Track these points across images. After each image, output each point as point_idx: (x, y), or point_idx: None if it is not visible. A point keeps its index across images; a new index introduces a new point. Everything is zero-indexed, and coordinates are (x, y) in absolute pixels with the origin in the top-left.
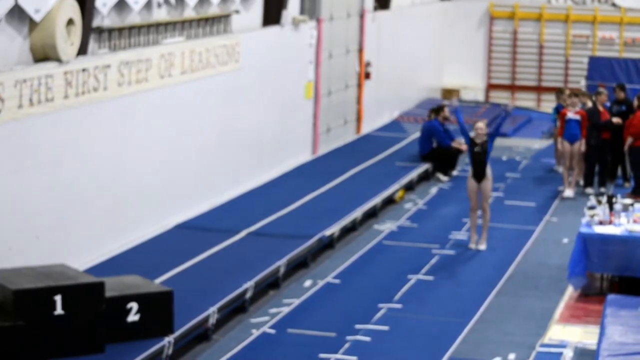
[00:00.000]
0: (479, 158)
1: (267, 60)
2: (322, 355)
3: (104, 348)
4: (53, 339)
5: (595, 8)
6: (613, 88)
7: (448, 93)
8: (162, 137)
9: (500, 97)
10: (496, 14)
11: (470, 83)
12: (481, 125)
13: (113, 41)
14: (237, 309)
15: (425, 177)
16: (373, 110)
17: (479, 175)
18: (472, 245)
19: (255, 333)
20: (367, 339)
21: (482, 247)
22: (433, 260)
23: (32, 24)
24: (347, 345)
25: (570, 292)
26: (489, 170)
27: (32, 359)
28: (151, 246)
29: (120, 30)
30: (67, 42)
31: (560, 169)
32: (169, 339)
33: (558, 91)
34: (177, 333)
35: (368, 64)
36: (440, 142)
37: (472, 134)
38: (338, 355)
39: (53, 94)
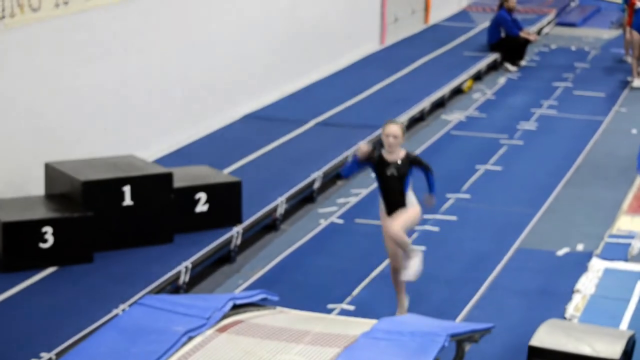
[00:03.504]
0: (392, 185)
1: None
2: None
3: (173, 238)
4: (122, 230)
5: None
6: None
7: None
8: (229, 27)
9: None
10: None
11: None
12: (394, 129)
13: None
14: (305, 199)
15: (493, 67)
16: (441, 0)
17: (395, 210)
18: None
19: (323, 223)
20: (436, 229)
21: (410, 273)
22: (501, 151)
23: None
24: (415, 235)
25: (639, 182)
26: (411, 201)
27: (101, 249)
28: (219, 137)
29: None
30: None
31: (630, 59)
32: (237, 229)
33: None
34: (246, 223)
35: None
36: (509, 31)
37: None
38: None
39: None
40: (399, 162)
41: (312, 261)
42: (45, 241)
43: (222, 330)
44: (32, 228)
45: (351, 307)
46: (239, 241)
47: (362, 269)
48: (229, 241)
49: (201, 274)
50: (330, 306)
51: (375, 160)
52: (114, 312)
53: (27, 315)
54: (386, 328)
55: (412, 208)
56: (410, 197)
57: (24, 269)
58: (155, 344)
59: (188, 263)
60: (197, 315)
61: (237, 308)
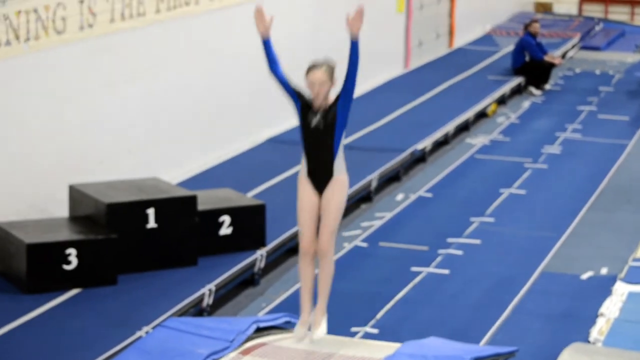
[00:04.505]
0: (318, 139)
1: None
2: (414, 269)
3: (197, 261)
4: (146, 252)
5: None
6: None
7: (541, 6)
8: (254, 50)
9: (594, 11)
10: None
11: None
12: (318, 75)
13: None
14: None
15: (517, 91)
16: (465, 24)
17: (320, 177)
18: (301, 331)
19: (348, 246)
20: (459, 252)
21: (318, 333)
22: (525, 174)
23: None
24: (439, 259)
25: None
26: (340, 165)
27: (125, 271)
28: (243, 160)
29: None
30: None
31: None
32: (261, 252)
33: None
34: (270, 246)
35: None
36: (533, 55)
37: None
38: (430, 269)
39: (145, 8)
40: (328, 109)
41: (336, 284)
42: (69, 263)
43: (246, 353)
44: (56, 250)
45: (375, 331)
46: (262, 264)
47: (386, 293)
48: (252, 264)
49: (225, 296)
50: (353, 329)
51: (301, 98)
52: (138, 334)
53: (50, 336)
54: (410, 352)
55: (339, 187)
56: (339, 162)
57: (47, 291)
58: None
59: (212, 286)
60: (220, 338)
61: (260, 331)
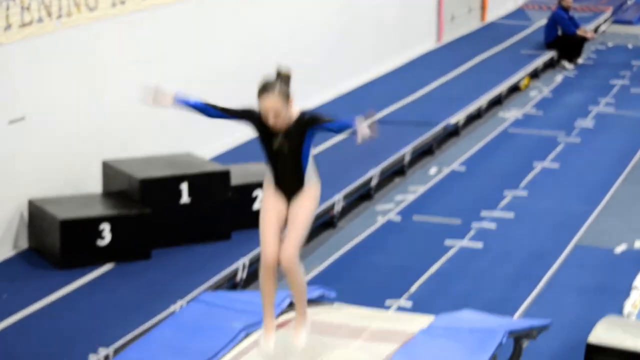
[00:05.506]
0: (283, 159)
1: None
2: (447, 242)
3: (230, 235)
4: (179, 227)
5: None
6: None
7: None
8: (286, 24)
9: None
10: None
11: None
12: (272, 102)
13: None
14: (363, 196)
15: (550, 65)
16: None
17: (288, 187)
18: (268, 345)
19: (381, 220)
20: (493, 225)
21: (299, 340)
22: (558, 148)
23: None
24: (472, 232)
25: None
26: (310, 175)
27: (159, 246)
28: None
29: None
30: None
31: None
32: None
33: None
34: None
35: None
36: (566, 29)
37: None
38: (463, 242)
39: None
40: (290, 129)
41: (370, 258)
42: (102, 238)
43: (280, 326)
44: (90, 225)
45: (409, 304)
46: None
47: (420, 266)
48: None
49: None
50: (387, 303)
51: (254, 119)
52: (172, 308)
53: (84, 311)
54: (444, 325)
55: (309, 198)
56: (310, 172)
57: (81, 266)
58: (212, 340)
59: (245, 260)
60: (254, 312)
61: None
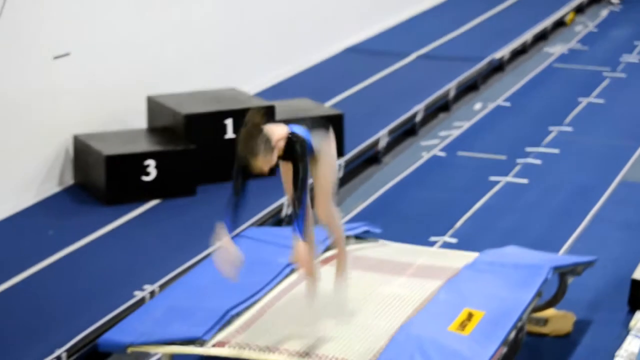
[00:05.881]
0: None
1: None
2: (492, 178)
3: (275, 171)
4: (224, 162)
5: None
6: None
7: None
8: None
9: None
10: None
11: None
12: (259, 165)
13: None
14: (407, 131)
15: (596, 0)
16: None
17: None
18: None
19: (425, 156)
20: (538, 161)
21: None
22: (604, 83)
23: None
24: (517, 168)
25: None
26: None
27: (204, 182)
28: (321, 70)
29: None
30: None
31: None
32: (338, 162)
33: None
34: (347, 156)
35: None
36: None
37: None
38: (508, 178)
39: None
40: (284, 156)
41: (414, 194)
42: (147, 174)
43: (325, 262)
44: (135, 161)
45: (453, 240)
46: (340, 174)
47: (465, 202)
48: None
49: None
50: (432, 239)
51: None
52: (217, 244)
53: (129, 247)
54: (489, 260)
55: (323, 166)
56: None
57: (126, 202)
58: (258, 276)
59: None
60: None
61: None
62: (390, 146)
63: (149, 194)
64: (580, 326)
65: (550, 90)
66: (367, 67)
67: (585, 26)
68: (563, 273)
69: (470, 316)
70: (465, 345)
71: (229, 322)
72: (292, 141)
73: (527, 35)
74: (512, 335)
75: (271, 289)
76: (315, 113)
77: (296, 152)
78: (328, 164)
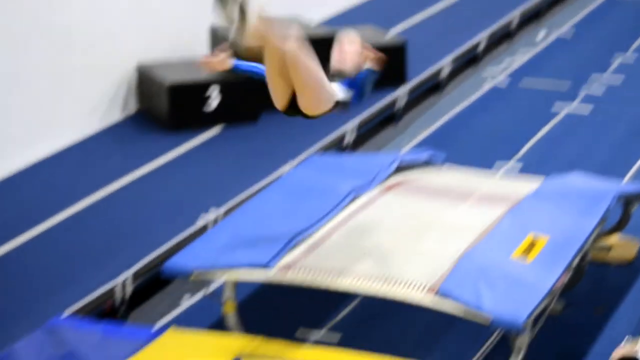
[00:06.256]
0: None
1: None
2: (556, 106)
3: None
4: None
5: None
6: None
7: None
8: None
9: None
10: None
11: None
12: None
13: None
14: (470, 60)
15: None
16: None
17: None
18: None
19: (488, 84)
20: (601, 90)
21: None
22: None
23: None
24: (580, 96)
25: None
26: None
27: (266, 109)
28: None
29: None
30: None
31: None
32: (402, 90)
33: None
34: (411, 84)
35: None
36: None
37: None
38: (572, 106)
39: None
40: None
41: (478, 122)
42: (210, 102)
43: (388, 189)
44: (198, 89)
45: (517, 167)
46: (403, 102)
47: (528, 129)
48: (393, 102)
49: (366, 134)
50: (496, 165)
51: None
52: (280, 171)
53: (194, 174)
54: (553, 188)
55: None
56: None
57: (190, 130)
58: (321, 202)
59: (353, 123)
60: (363, 174)
61: (403, 167)
62: (453, 74)
63: (211, 122)
64: None
65: (614, 20)
66: None
67: None
68: (627, 201)
69: (534, 243)
70: (529, 271)
71: (293, 248)
72: None
73: None
74: (576, 261)
75: (335, 215)
76: (379, 41)
77: None
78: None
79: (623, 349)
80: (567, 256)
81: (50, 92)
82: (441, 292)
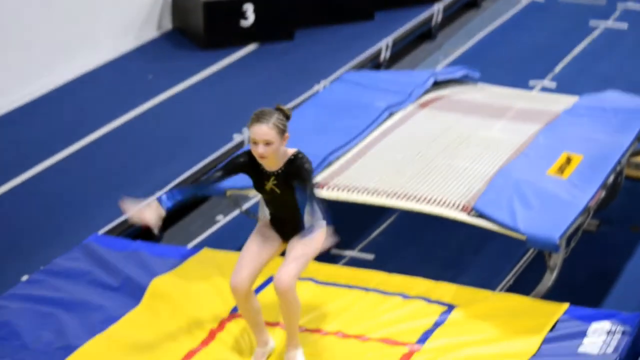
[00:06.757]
0: (278, 204)
1: None
2: (592, 23)
3: (374, 15)
4: (322, 7)
5: None
6: None
7: None
8: None
9: None
10: None
11: None
12: (263, 130)
13: None
14: None
15: None
16: None
17: (285, 228)
18: (259, 352)
19: (525, 0)
20: (638, 6)
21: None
22: None
23: None
24: (617, 13)
25: None
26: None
27: (302, 26)
28: None
29: None
30: None
31: None
32: (438, 6)
33: None
34: (447, 0)
35: None
36: None
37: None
38: (608, 23)
39: None
40: (281, 171)
41: (514, 38)
42: (246, 19)
43: (424, 105)
44: (233, 6)
45: (552, 84)
46: (439, 18)
47: (564, 46)
48: (429, 18)
49: (402, 50)
50: (531, 83)
51: (248, 169)
52: (315, 88)
53: (229, 91)
54: (588, 104)
55: (312, 240)
56: (315, 213)
57: (225, 46)
58: (357, 119)
59: (389, 40)
60: (398, 91)
61: (438, 84)
62: None
63: (247, 39)
64: None
65: None
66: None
67: None
68: None
69: (569, 160)
70: (564, 188)
71: (328, 166)
72: (295, 157)
73: None
74: (611, 179)
75: (370, 132)
76: None
77: (304, 169)
78: (314, 239)
79: None
80: (602, 173)
81: (85, 10)
82: (476, 210)
